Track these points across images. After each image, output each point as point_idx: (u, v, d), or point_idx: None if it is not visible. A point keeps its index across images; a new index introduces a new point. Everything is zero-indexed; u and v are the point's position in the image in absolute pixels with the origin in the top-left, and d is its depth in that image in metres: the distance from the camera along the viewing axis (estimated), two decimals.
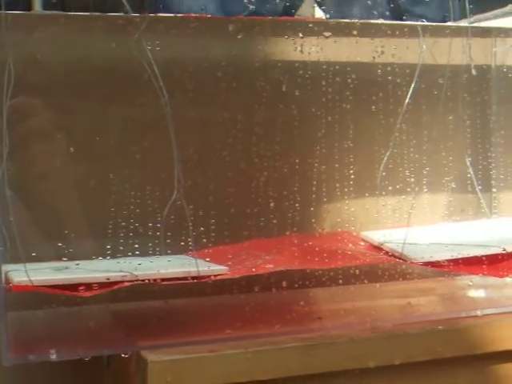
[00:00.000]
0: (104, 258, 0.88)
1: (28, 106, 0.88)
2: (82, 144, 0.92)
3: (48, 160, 0.91)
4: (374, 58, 0.99)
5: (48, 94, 0.89)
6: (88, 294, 0.77)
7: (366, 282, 0.98)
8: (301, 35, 0.95)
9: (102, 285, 0.78)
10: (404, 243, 0.93)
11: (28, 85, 0.87)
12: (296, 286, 0.95)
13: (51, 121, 0.90)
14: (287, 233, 0.95)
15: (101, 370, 0.83)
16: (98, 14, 0.88)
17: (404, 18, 1.00)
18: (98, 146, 0.93)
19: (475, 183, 1.05)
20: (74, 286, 0.77)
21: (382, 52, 1.00)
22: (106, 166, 0.92)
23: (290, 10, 1.09)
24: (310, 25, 0.94)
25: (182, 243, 0.90)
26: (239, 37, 0.92)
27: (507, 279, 1.01)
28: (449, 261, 0.91)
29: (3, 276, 0.78)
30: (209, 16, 0.93)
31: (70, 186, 0.92)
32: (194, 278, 0.81)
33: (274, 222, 0.94)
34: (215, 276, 0.82)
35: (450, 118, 1.05)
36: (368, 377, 0.81)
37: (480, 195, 1.06)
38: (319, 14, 1.13)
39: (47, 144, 0.91)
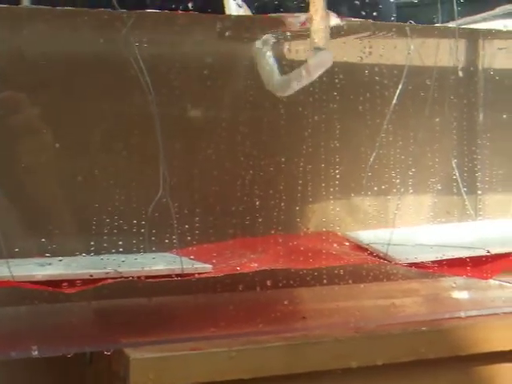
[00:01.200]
0: (88, 254, 0.88)
1: (14, 101, 0.88)
2: (68, 140, 0.91)
3: (33, 156, 0.90)
4: (361, 58, 0.99)
5: (34, 89, 0.89)
6: (71, 290, 0.77)
7: (350, 282, 0.98)
8: (289, 34, 0.95)
9: (85, 281, 0.77)
10: (389, 244, 0.93)
11: (14, 80, 0.87)
12: (280, 285, 0.95)
13: (37, 116, 0.90)
14: (272, 232, 0.95)
15: (83, 367, 0.83)
16: (85, 9, 0.88)
17: (392, 19, 1.00)
18: (84, 142, 0.92)
19: (461, 185, 1.05)
20: (57, 283, 0.77)
21: (370, 53, 1.00)
22: (91, 162, 0.92)
23: None
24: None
25: (167, 241, 0.89)
26: (227, 34, 0.92)
27: (491, 281, 1.02)
28: (433, 262, 0.91)
29: None
30: (196, 13, 0.92)
31: (54, 182, 0.91)
32: (178, 275, 0.81)
33: (260, 220, 0.94)
34: (199, 274, 0.82)
35: (437, 119, 1.05)
36: (351, 377, 0.81)
37: (465, 197, 1.07)
38: None
39: (32, 139, 0.90)
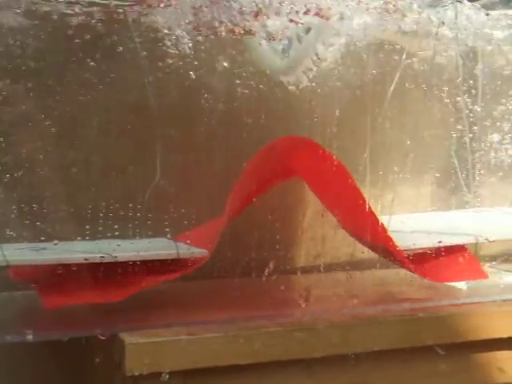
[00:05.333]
0: (83, 239, 0.87)
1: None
2: (64, 126, 0.90)
3: (28, 142, 0.90)
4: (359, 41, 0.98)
5: (26, 74, 0.88)
6: (118, 298, 0.77)
7: (347, 268, 0.97)
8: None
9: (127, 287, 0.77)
10: None
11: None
12: (278, 271, 0.94)
13: (30, 102, 0.89)
14: (269, 217, 0.94)
15: (79, 351, 0.83)
16: None
17: None
18: (80, 127, 0.91)
19: (458, 172, 1.05)
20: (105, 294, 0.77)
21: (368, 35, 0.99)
22: (87, 147, 0.91)
23: None
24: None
25: (163, 225, 0.89)
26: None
27: (489, 268, 1.02)
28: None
29: None
30: None
31: (50, 167, 0.91)
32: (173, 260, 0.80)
33: (256, 205, 0.93)
34: (195, 259, 0.81)
35: (436, 104, 1.04)
36: (349, 363, 0.81)
37: (463, 184, 1.06)
38: None
39: (27, 126, 0.90)
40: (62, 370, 0.91)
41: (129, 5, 0.84)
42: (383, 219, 0.95)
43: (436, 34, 0.96)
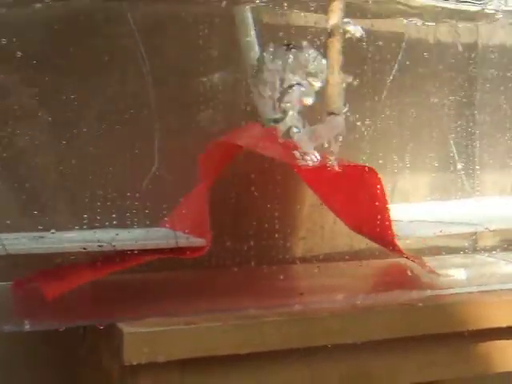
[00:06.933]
0: (81, 228, 0.87)
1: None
2: (61, 114, 0.90)
3: (26, 131, 0.89)
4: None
5: (24, 66, 0.88)
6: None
7: (346, 258, 0.97)
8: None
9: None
10: None
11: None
12: (277, 261, 0.94)
13: (29, 93, 0.89)
14: (268, 205, 0.93)
15: (77, 340, 0.83)
16: None
17: None
18: (77, 116, 0.91)
19: (457, 161, 1.05)
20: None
21: (370, 25, 0.98)
22: (84, 136, 0.91)
23: None
24: None
25: (161, 214, 0.88)
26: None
27: (488, 258, 1.02)
28: None
29: None
30: None
31: (48, 156, 0.90)
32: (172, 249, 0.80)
33: (256, 194, 0.92)
34: (194, 248, 0.81)
35: (435, 94, 1.04)
36: (348, 352, 0.80)
37: (463, 173, 1.06)
38: None
39: (24, 115, 0.89)
40: (58, 361, 0.91)
41: None
42: None
43: None
